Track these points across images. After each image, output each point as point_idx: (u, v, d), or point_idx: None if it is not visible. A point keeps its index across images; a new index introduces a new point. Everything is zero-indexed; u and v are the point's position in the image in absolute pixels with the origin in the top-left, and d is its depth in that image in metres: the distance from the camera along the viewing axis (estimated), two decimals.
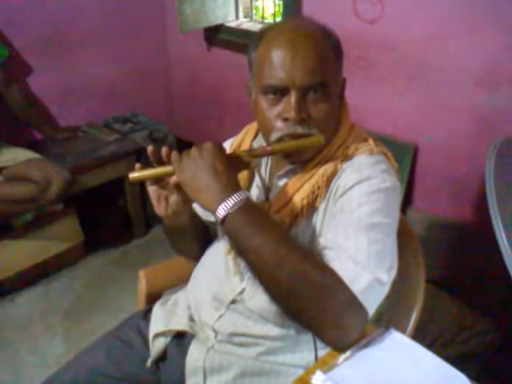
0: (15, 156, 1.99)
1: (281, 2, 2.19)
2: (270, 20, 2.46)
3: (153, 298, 1.20)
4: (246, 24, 2.45)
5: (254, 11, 2.52)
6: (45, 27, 2.32)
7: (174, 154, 0.85)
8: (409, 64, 1.76)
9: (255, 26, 2.41)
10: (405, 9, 1.70)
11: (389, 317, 0.98)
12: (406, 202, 1.90)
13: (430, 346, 1.49)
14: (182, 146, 0.88)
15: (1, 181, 1.90)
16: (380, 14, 1.75)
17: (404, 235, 1.02)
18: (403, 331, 0.92)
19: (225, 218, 0.78)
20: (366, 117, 1.91)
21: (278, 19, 2.30)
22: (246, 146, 1.05)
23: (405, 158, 1.83)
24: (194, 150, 0.83)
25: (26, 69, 2.33)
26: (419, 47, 1.71)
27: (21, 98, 2.23)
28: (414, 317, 0.97)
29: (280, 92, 0.88)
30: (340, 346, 0.77)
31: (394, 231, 0.88)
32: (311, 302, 0.76)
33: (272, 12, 2.48)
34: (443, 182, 1.82)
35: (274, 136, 0.90)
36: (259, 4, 2.54)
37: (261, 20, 2.48)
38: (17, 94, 2.21)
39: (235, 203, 0.78)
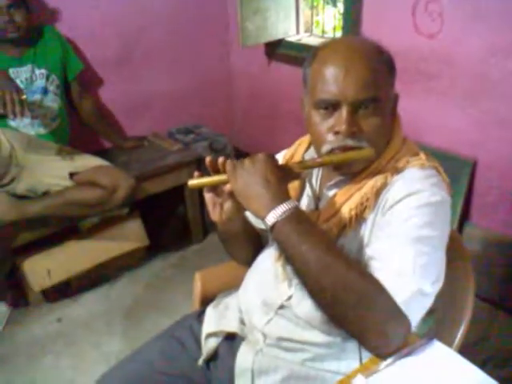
0: (86, 163, 2.10)
1: (341, 17, 2.23)
2: (330, 34, 2.50)
3: (206, 301, 1.25)
4: (306, 38, 2.50)
5: (314, 26, 2.57)
6: (115, 43, 2.47)
7: (229, 164, 0.90)
8: (468, 78, 1.74)
9: (315, 41, 2.45)
10: (464, 23, 1.68)
11: (436, 329, 0.98)
12: (464, 218, 1.87)
13: (482, 365, 1.45)
14: (241, 156, 0.93)
15: (72, 185, 2.01)
16: (439, 29, 1.74)
17: (454, 249, 1.02)
18: (450, 344, 0.92)
19: (274, 225, 0.82)
20: (424, 131, 1.90)
21: (338, 33, 2.33)
22: (298, 158, 1.08)
23: (463, 172, 1.80)
24: (247, 161, 0.87)
25: (98, 82, 2.49)
26: (479, 62, 1.69)
27: (92, 109, 2.38)
28: (461, 331, 0.97)
29: (332, 106, 0.91)
30: (382, 353, 0.79)
31: (443, 245, 0.88)
32: (355, 310, 0.78)
33: (332, 26, 2.51)
34: (502, 198, 1.77)
35: (325, 148, 0.93)
36: (320, 18, 2.58)
37: (321, 34, 2.52)
38: (89, 105, 2.36)
39: (284, 211, 0.81)
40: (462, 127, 1.82)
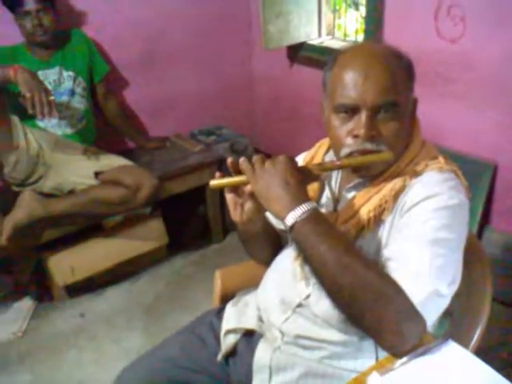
0: (110, 162, 2.15)
1: (363, 20, 2.24)
2: (352, 37, 2.50)
3: (226, 298, 1.28)
4: (328, 41, 2.51)
5: (336, 29, 2.58)
6: (139, 45, 2.52)
7: (250, 166, 0.91)
8: (489, 82, 1.74)
9: (337, 44, 2.46)
10: (486, 28, 1.68)
11: (452, 331, 0.99)
12: (484, 222, 1.86)
13: (502, 368, 1.45)
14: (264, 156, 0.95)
15: (97, 184, 2.06)
16: (461, 34, 1.74)
17: (472, 252, 1.03)
18: (466, 347, 0.93)
19: (293, 225, 0.84)
20: (444, 134, 1.90)
21: (360, 37, 2.35)
22: (318, 160, 1.11)
23: (483, 176, 1.80)
24: (268, 162, 0.90)
25: (122, 83, 2.54)
26: (500, 66, 1.69)
27: (117, 111, 2.44)
28: (477, 333, 0.98)
29: (351, 111, 0.93)
30: (397, 352, 0.81)
31: (460, 247, 0.90)
32: (372, 310, 0.80)
33: (354, 29, 2.52)
34: None
35: (344, 151, 0.95)
36: (342, 22, 2.59)
37: (343, 38, 2.53)
38: (114, 106, 2.42)
39: (303, 212, 0.84)
40: (482, 131, 1.82)
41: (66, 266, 2.18)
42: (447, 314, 1.02)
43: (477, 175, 1.79)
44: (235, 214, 1.01)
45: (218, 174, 0.99)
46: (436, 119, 1.91)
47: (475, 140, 1.86)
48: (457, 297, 1.00)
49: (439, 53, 1.84)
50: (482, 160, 1.82)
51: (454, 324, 1.02)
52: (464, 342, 0.93)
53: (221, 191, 1.04)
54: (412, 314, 0.80)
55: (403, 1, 1.95)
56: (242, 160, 0.94)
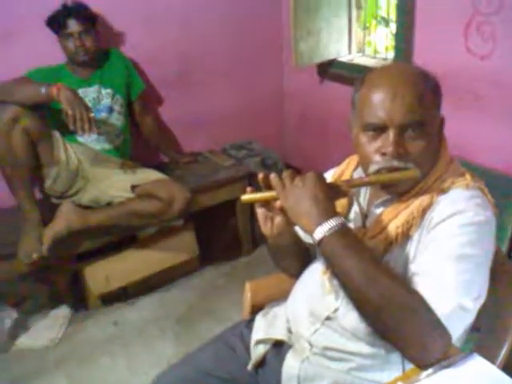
0: (146, 176, 2.22)
1: (393, 37, 2.27)
2: (382, 54, 2.53)
3: (256, 309, 1.31)
4: (358, 58, 2.54)
5: (366, 46, 2.61)
6: (175, 64, 2.61)
7: (280, 182, 0.95)
8: None
9: (367, 61, 2.48)
10: None
11: (479, 347, 1.00)
12: None
13: None
14: (292, 171, 0.99)
15: (133, 197, 2.14)
16: (491, 51, 1.75)
17: (500, 268, 1.04)
18: (493, 361, 0.94)
19: (321, 240, 0.87)
20: (475, 150, 1.90)
21: (391, 54, 2.37)
22: (346, 176, 1.14)
23: None
24: (297, 179, 0.93)
25: (158, 100, 2.63)
26: None
27: (153, 126, 2.52)
28: (504, 349, 0.98)
29: (379, 129, 0.96)
30: (422, 364, 0.82)
31: (486, 263, 0.91)
32: (397, 322, 0.82)
33: (384, 46, 2.54)
34: None
35: (372, 168, 0.98)
36: (372, 38, 2.62)
37: (373, 54, 2.56)
38: (150, 122, 2.50)
39: (331, 227, 0.87)
40: None
41: (101, 275, 2.25)
42: (475, 329, 1.03)
43: (507, 191, 1.78)
44: (265, 228, 1.05)
45: (249, 189, 1.03)
46: (466, 135, 1.91)
47: (506, 156, 1.85)
48: (484, 312, 1.01)
49: (469, 69, 1.85)
50: None
51: (481, 339, 1.02)
52: (491, 358, 0.93)
53: (251, 205, 1.07)
54: (437, 327, 0.82)
55: (433, 17, 1.97)
56: (272, 176, 0.98)
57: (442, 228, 0.91)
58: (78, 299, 2.35)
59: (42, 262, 2.05)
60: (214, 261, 2.63)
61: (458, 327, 0.85)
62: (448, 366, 0.80)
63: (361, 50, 2.60)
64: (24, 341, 2.15)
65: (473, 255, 0.87)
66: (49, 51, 2.17)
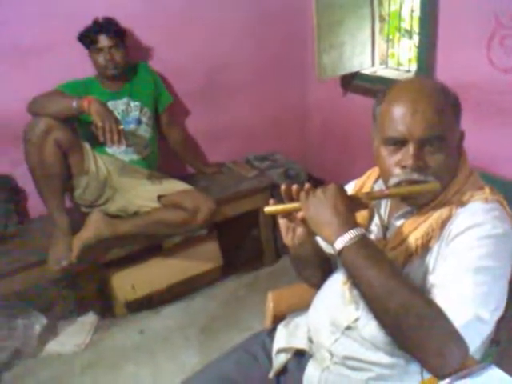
0: (172, 186, 2.28)
1: (416, 49, 2.28)
2: (405, 66, 2.54)
3: (278, 319, 1.33)
4: (381, 71, 2.55)
5: (389, 58, 2.63)
6: (201, 77, 2.66)
7: (302, 193, 0.99)
8: None
9: (390, 73, 2.49)
10: None
11: (500, 358, 1.00)
12: None
13: None
14: (315, 183, 1.02)
15: (159, 207, 2.19)
16: None
17: None
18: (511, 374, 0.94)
19: (341, 250, 0.90)
20: (498, 163, 1.89)
21: (414, 66, 2.38)
22: (367, 188, 1.16)
23: None
24: (319, 191, 0.97)
25: (184, 113, 2.69)
26: None
27: (179, 138, 2.57)
28: None
29: (400, 143, 0.98)
30: (440, 374, 0.84)
31: (505, 276, 0.92)
32: (415, 332, 0.84)
33: (408, 58, 2.55)
34: None
35: (392, 181, 1.00)
36: (396, 50, 2.63)
37: (396, 66, 2.57)
38: (176, 134, 2.56)
39: (351, 238, 0.90)
40: None
41: (127, 283, 2.31)
42: (494, 342, 1.04)
43: None
44: (287, 238, 1.08)
45: (272, 201, 1.06)
46: (489, 148, 1.91)
47: None
48: (504, 325, 1.02)
49: (492, 82, 1.85)
50: None
51: (501, 352, 1.03)
52: (510, 371, 0.94)
53: (274, 216, 1.10)
54: (454, 337, 0.83)
55: (456, 30, 1.98)
56: (294, 187, 1.02)
57: (460, 240, 0.93)
58: (105, 306, 2.41)
59: (71, 269, 2.10)
60: (236, 271, 2.65)
61: (475, 338, 0.86)
62: (465, 377, 0.81)
63: (384, 62, 2.61)
64: (52, 346, 2.21)
65: (490, 267, 0.88)
66: (80, 65, 2.26)
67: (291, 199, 1.03)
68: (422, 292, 0.90)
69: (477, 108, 1.91)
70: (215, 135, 2.81)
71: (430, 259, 0.98)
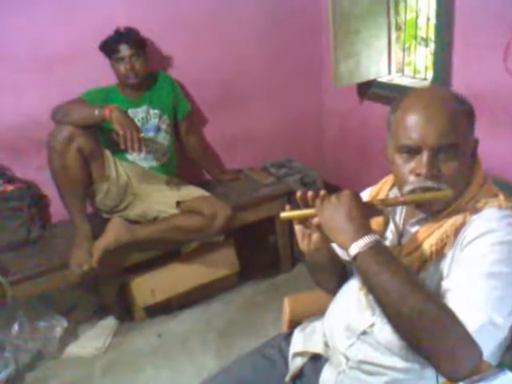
0: (190, 192, 2.32)
1: (432, 57, 2.29)
2: (422, 74, 2.55)
3: (294, 324, 1.35)
4: (397, 79, 2.56)
5: (406, 65, 2.64)
6: (218, 85, 2.70)
7: (317, 200, 1.01)
8: None
9: (407, 81, 2.50)
10: None
11: None
12: None
13: None
14: (331, 190, 1.04)
15: (178, 213, 2.23)
16: None
17: None
18: None
19: (356, 256, 0.92)
20: None
21: (430, 74, 2.39)
22: (382, 195, 1.18)
23: None
24: (334, 197, 0.99)
25: (202, 120, 2.73)
26: None
27: (197, 145, 2.61)
28: None
29: (414, 151, 0.99)
30: (453, 378, 0.85)
31: None
32: (429, 337, 0.85)
33: (424, 66, 2.56)
34: None
35: (407, 188, 1.02)
36: (412, 58, 2.64)
37: (413, 74, 2.58)
38: (194, 142, 2.60)
39: (366, 244, 0.91)
40: None
41: (147, 288, 2.34)
42: (509, 348, 1.04)
43: None
44: (303, 244, 1.10)
45: (288, 207, 1.09)
46: (504, 155, 1.91)
47: None
48: None
49: (508, 90, 1.85)
50: None
51: None
52: None
53: (290, 222, 1.12)
54: (468, 342, 0.84)
55: (472, 38, 1.98)
56: (310, 194, 1.04)
57: (473, 246, 0.94)
58: (124, 310, 2.45)
59: (92, 274, 2.14)
60: (253, 277, 2.67)
61: (488, 343, 0.87)
62: (479, 381, 0.82)
63: (400, 70, 2.62)
64: (73, 349, 2.26)
65: (504, 273, 0.89)
66: (103, 74, 2.31)
67: (307, 205, 1.05)
68: (436, 297, 0.91)
69: (492, 116, 1.91)
70: (232, 142, 2.85)
71: (445, 265, 0.99)
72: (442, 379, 0.92)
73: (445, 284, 0.95)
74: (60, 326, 2.25)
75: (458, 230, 0.99)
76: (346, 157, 3.02)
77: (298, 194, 1.06)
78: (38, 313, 2.26)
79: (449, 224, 1.01)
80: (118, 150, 2.15)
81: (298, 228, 1.10)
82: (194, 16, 2.54)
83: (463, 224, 0.99)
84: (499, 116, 1.90)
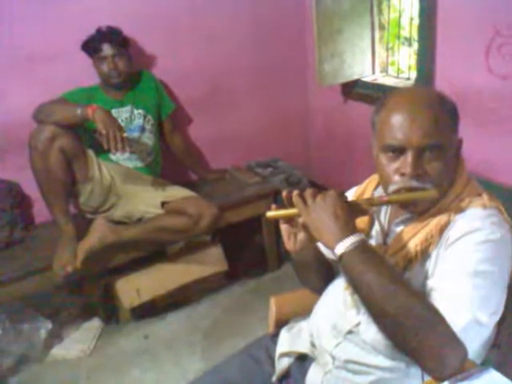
0: (175, 193, 2.30)
1: (416, 57, 2.30)
2: (405, 74, 2.56)
3: (281, 324, 1.35)
4: (381, 79, 2.58)
5: (390, 65, 2.65)
6: (202, 84, 2.70)
7: (303, 200, 1.01)
8: None
9: (390, 81, 2.52)
10: None
11: (500, 362, 1.02)
12: None
13: None
14: (317, 189, 1.04)
15: (163, 213, 2.21)
16: None
17: None
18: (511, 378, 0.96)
19: (342, 255, 0.92)
20: (497, 169, 1.91)
21: (413, 73, 2.40)
22: (367, 195, 1.18)
23: None
24: (319, 196, 0.99)
25: (187, 120, 2.72)
26: None
27: (182, 145, 2.60)
28: None
29: (398, 151, 1.00)
30: (438, 376, 0.86)
31: (502, 280, 0.94)
32: (414, 335, 0.86)
33: (408, 66, 2.58)
34: None
35: (392, 188, 1.02)
36: (396, 58, 2.66)
37: (396, 74, 2.59)
38: (179, 141, 2.58)
39: (351, 243, 0.91)
40: None
41: (132, 289, 2.32)
42: (494, 346, 1.05)
43: None
44: (289, 244, 1.11)
45: (273, 206, 1.09)
46: (488, 154, 1.93)
47: None
48: (503, 329, 1.04)
49: (491, 89, 1.87)
50: None
51: (500, 356, 1.04)
52: (510, 375, 0.95)
53: (276, 222, 1.12)
54: (452, 340, 0.85)
55: (455, 37, 2.00)
56: (295, 193, 1.03)
57: (458, 246, 0.94)
58: (110, 312, 2.42)
59: (76, 275, 2.12)
60: (240, 277, 2.67)
61: (473, 341, 0.88)
62: (464, 380, 0.83)
63: (384, 70, 2.64)
64: (58, 351, 2.23)
65: (488, 271, 0.90)
66: (85, 73, 2.29)
67: (293, 205, 1.05)
68: (421, 296, 0.92)
69: (475, 115, 1.93)
70: (218, 142, 2.84)
71: (430, 264, 1.00)
72: (427, 378, 0.93)
73: (430, 283, 0.95)
74: (44, 328, 2.22)
75: (442, 230, 1.00)
76: (332, 156, 3.03)
77: (284, 193, 1.06)
78: (21, 315, 2.23)
79: (433, 224, 1.01)
80: (102, 151, 2.12)
81: (284, 227, 1.10)
82: (178, 15, 2.53)
83: (448, 223, 1.00)
84: (483, 115, 1.93)
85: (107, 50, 2.19)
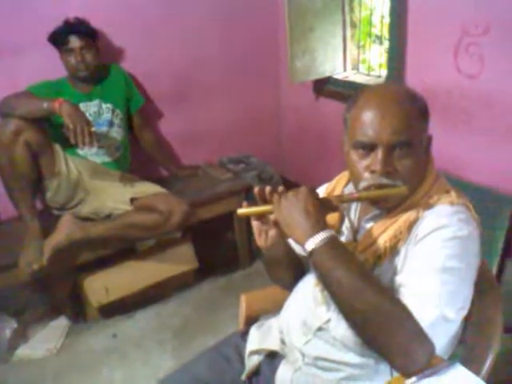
0: (145, 189, 2.26)
1: (386, 55, 2.32)
2: (376, 72, 2.59)
3: (251, 321, 1.34)
4: (352, 76, 2.60)
5: (361, 63, 2.67)
6: (173, 79, 2.66)
7: (274, 196, 1.01)
8: (508, 118, 1.78)
9: (361, 78, 2.54)
10: (504, 66, 1.74)
11: (466, 358, 1.03)
12: (505, 255, 1.88)
13: None
14: (289, 185, 1.04)
15: (132, 210, 2.17)
16: (480, 70, 1.80)
17: (484, 281, 1.08)
18: (478, 373, 0.98)
19: (312, 251, 0.92)
20: (467, 167, 1.95)
21: (384, 71, 2.43)
22: (337, 192, 1.18)
23: (504, 209, 1.83)
24: (290, 193, 0.98)
25: (157, 114, 2.68)
26: None
27: (152, 140, 2.57)
28: (489, 360, 1.01)
29: (369, 148, 1.00)
30: (406, 372, 0.86)
31: (469, 276, 0.95)
32: (382, 332, 0.86)
33: (378, 64, 2.60)
34: None
35: (362, 185, 1.02)
36: (367, 56, 2.68)
37: (367, 72, 2.62)
38: (149, 136, 2.55)
39: (321, 239, 0.91)
40: (504, 164, 1.86)
41: (100, 287, 2.28)
42: (461, 342, 1.07)
43: (498, 208, 1.82)
44: (260, 240, 1.11)
45: (245, 203, 1.09)
46: (458, 152, 1.96)
47: (497, 173, 1.88)
48: (470, 325, 1.05)
49: (460, 88, 1.90)
50: (503, 193, 1.85)
51: (467, 352, 1.06)
52: (476, 370, 0.97)
53: (248, 219, 1.12)
54: (420, 336, 0.86)
55: (425, 36, 2.03)
56: (267, 189, 1.04)
57: (426, 242, 0.95)
58: (77, 310, 2.38)
59: (42, 273, 2.07)
60: (210, 274, 2.65)
61: (441, 337, 0.89)
62: (431, 375, 0.83)
63: (355, 68, 2.66)
64: (23, 351, 2.18)
65: (456, 268, 0.91)
66: (51, 66, 2.22)
67: (264, 201, 1.05)
68: (389, 292, 0.92)
69: (445, 113, 1.96)
70: (189, 137, 2.81)
71: (398, 261, 1.01)
72: (396, 374, 0.93)
73: (399, 279, 0.96)
74: (9, 327, 2.17)
75: (411, 226, 1.00)
76: (304, 152, 3.04)
77: (256, 189, 1.06)
78: None
79: (402, 220, 1.02)
80: (69, 145, 2.07)
81: (255, 224, 1.10)
82: (149, 8, 2.48)
83: (416, 220, 1.01)
84: (452, 113, 1.96)
85: (74, 42, 2.14)
